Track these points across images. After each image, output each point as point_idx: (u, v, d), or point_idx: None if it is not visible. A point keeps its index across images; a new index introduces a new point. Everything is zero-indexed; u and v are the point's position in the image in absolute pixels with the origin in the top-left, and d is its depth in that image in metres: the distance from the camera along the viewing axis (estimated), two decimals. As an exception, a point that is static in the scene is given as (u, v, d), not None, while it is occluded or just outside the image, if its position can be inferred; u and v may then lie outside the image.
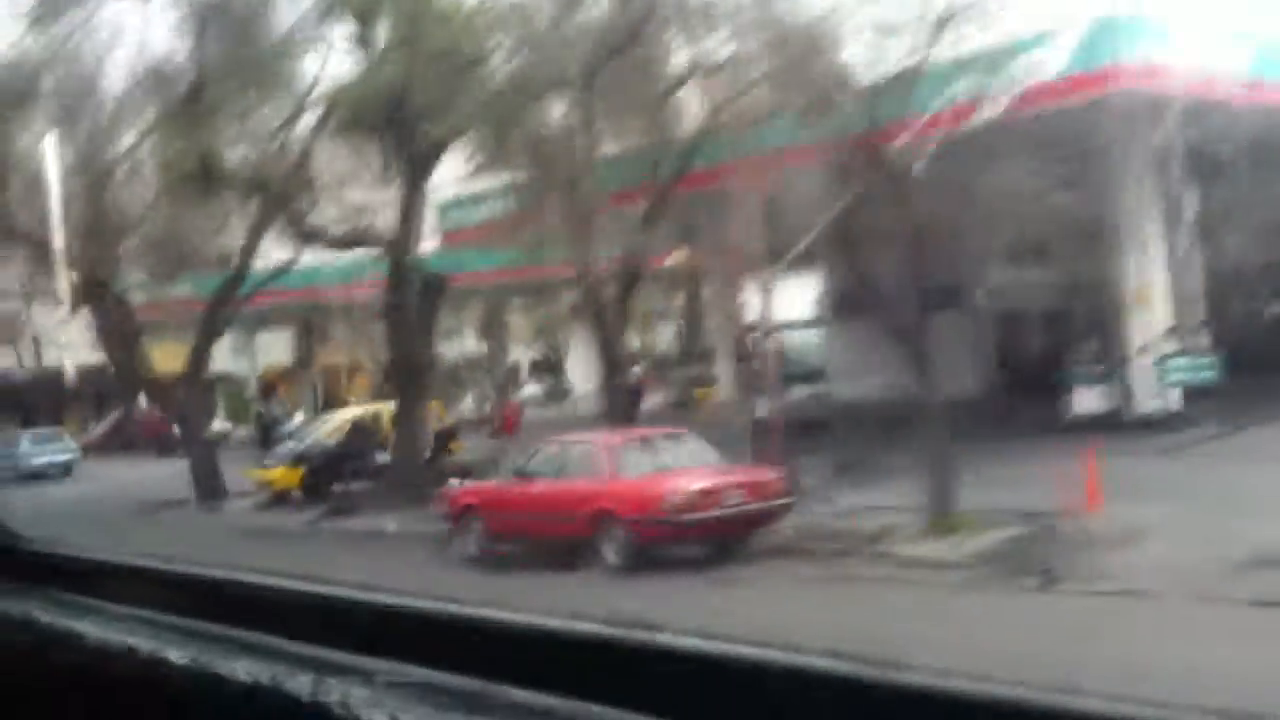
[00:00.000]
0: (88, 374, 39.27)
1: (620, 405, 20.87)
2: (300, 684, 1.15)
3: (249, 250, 23.86)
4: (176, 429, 27.29)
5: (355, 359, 42.20)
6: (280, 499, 22.97)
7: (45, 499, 24.92)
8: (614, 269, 19.86)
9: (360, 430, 23.67)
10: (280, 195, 22.15)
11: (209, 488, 23.16)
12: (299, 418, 34.31)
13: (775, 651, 1.02)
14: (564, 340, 46.05)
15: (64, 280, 24.04)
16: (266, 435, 30.26)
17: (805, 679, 0.98)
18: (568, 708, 1.04)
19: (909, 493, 13.92)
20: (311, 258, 26.81)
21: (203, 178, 20.78)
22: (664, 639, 1.09)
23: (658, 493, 13.98)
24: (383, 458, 22.30)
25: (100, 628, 1.48)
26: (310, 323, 40.67)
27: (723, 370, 27.89)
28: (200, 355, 25.04)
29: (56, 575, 1.83)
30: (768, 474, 14.93)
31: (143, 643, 1.38)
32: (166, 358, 27.18)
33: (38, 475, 31.23)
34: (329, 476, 22.21)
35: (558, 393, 45.13)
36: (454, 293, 26.08)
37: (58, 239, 22.49)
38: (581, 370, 38.91)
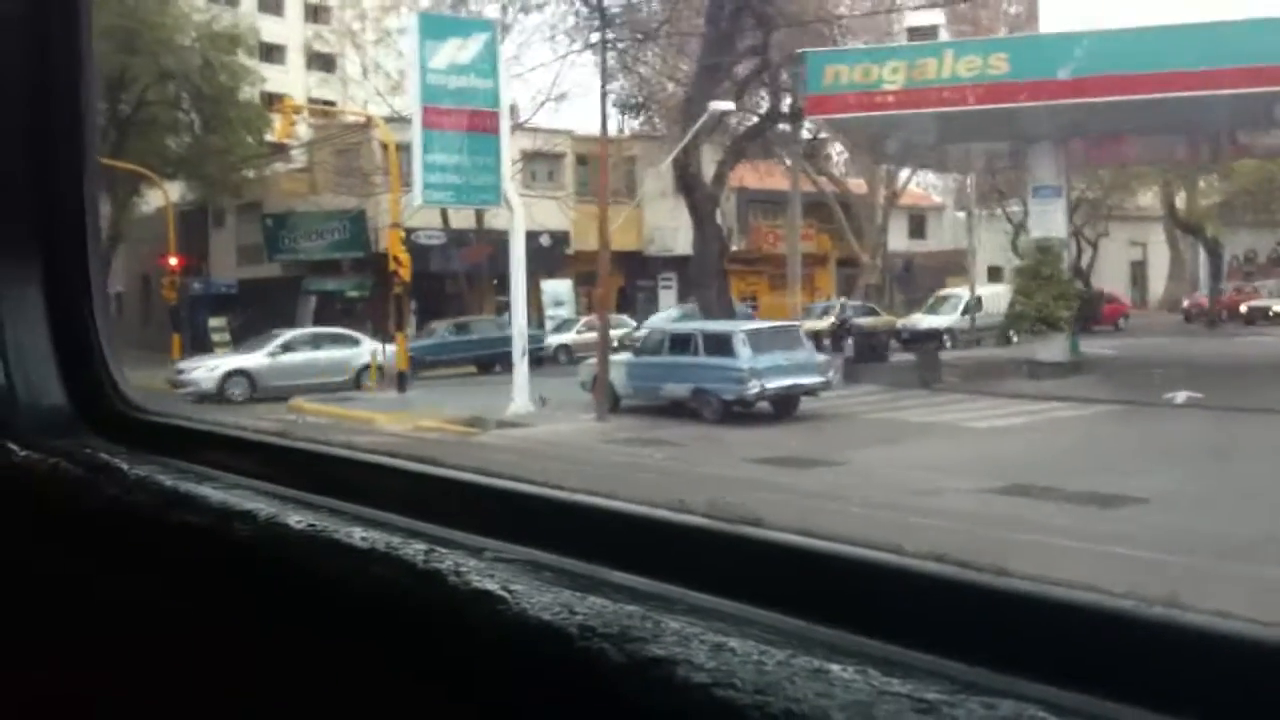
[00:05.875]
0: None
1: None
2: (415, 551, 1.21)
3: None
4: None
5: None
6: None
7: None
8: None
9: None
10: None
11: None
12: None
13: (880, 552, 1.03)
14: None
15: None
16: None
17: (906, 579, 0.99)
18: (670, 592, 1.07)
19: None
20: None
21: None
22: (765, 533, 1.11)
23: None
24: None
25: (221, 492, 1.54)
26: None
27: None
28: None
29: (174, 444, 1.89)
30: None
31: (262, 507, 1.43)
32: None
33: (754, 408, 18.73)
34: None
35: None
36: None
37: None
38: None
